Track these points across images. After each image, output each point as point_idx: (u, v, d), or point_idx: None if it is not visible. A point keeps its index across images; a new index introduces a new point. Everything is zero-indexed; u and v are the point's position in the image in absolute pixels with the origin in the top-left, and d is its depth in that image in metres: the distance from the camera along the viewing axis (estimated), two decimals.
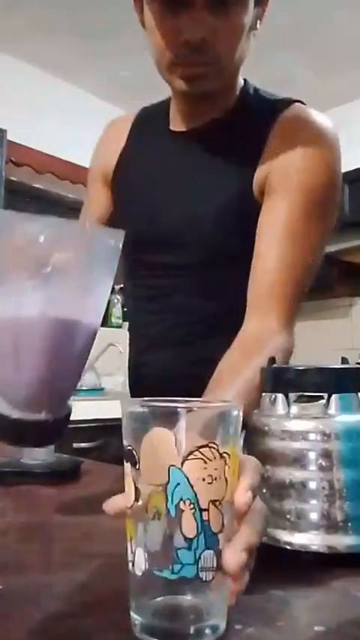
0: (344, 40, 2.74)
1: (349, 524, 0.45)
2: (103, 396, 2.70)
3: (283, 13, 2.33)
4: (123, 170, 1.01)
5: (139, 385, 1.05)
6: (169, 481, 0.32)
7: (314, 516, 0.46)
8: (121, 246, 0.57)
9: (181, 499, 0.32)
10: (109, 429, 2.34)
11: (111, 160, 1.02)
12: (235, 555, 0.33)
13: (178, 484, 0.32)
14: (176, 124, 0.95)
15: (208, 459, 0.33)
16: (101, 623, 0.35)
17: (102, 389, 2.89)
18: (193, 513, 0.32)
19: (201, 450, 0.33)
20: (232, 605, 0.34)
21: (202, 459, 0.33)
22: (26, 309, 0.54)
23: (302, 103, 0.90)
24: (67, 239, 0.56)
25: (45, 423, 0.57)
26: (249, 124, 0.88)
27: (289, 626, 0.36)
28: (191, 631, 0.32)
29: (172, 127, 0.96)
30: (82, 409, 2.45)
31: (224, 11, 0.77)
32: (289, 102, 0.89)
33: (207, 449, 0.33)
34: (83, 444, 2.30)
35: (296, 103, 0.89)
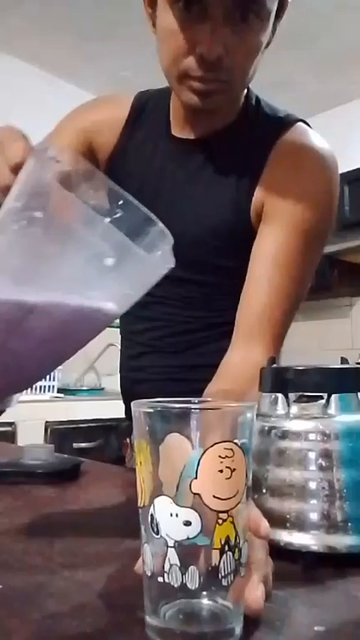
0: (345, 41, 2.75)
1: (349, 524, 0.45)
2: (103, 396, 2.70)
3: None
4: (121, 164, 0.96)
5: (131, 389, 1.05)
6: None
7: (314, 516, 0.46)
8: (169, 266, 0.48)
9: None
10: (109, 429, 2.35)
11: (104, 140, 0.96)
12: (258, 592, 0.34)
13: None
14: (177, 129, 0.93)
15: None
16: (101, 623, 0.35)
17: (102, 389, 2.89)
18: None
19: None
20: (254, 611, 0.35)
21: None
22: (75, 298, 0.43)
23: (304, 121, 0.89)
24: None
25: None
26: (250, 142, 0.87)
27: (289, 626, 0.36)
28: (208, 636, 0.32)
29: (173, 132, 0.93)
30: (82, 409, 2.46)
31: (244, 28, 0.73)
32: (290, 122, 0.88)
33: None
34: (83, 444, 2.30)
35: (297, 124, 0.88)
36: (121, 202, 0.48)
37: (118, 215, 0.47)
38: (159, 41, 0.79)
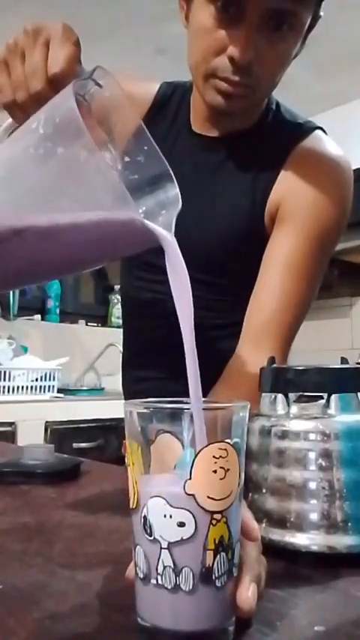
0: (344, 41, 2.74)
1: (349, 524, 0.45)
2: (103, 396, 2.70)
3: None
4: None
5: (132, 387, 1.05)
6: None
7: (314, 516, 0.46)
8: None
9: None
10: (109, 429, 2.35)
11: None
12: (248, 593, 0.34)
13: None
14: (197, 125, 0.92)
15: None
16: (101, 623, 0.35)
17: (102, 389, 2.89)
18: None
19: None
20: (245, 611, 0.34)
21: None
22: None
23: (322, 129, 0.90)
24: None
25: None
26: (268, 146, 0.88)
27: (289, 626, 0.36)
28: (201, 636, 0.32)
29: (193, 127, 0.92)
30: (82, 409, 2.45)
31: (277, 37, 0.74)
32: (309, 129, 0.88)
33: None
34: (83, 444, 2.30)
35: (316, 131, 0.88)
36: (146, 148, 0.47)
37: (139, 159, 0.47)
38: (190, 36, 0.79)
